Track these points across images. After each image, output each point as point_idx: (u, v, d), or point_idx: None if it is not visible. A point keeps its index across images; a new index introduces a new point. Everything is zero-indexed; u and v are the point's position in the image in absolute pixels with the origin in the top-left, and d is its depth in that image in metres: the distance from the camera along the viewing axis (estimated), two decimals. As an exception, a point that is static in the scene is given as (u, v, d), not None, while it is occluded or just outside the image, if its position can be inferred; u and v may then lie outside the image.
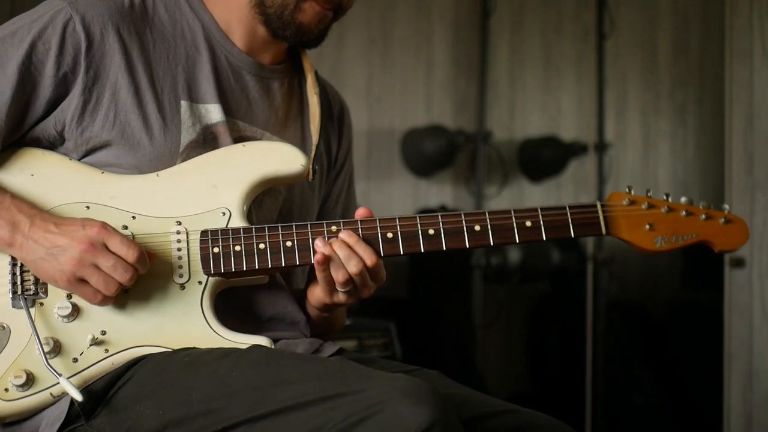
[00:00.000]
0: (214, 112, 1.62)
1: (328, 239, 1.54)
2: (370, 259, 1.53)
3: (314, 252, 1.54)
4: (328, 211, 1.85)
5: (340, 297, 1.59)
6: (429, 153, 4.20)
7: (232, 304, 1.61)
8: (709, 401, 3.60)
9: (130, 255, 1.46)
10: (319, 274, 1.56)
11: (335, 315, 1.75)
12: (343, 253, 1.53)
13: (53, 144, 1.59)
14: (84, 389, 1.48)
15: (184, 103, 1.60)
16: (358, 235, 1.55)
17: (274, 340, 1.59)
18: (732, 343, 3.31)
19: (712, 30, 4.57)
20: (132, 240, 1.49)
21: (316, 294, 1.63)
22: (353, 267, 1.53)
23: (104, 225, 1.47)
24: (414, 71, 4.40)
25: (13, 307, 1.51)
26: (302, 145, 1.73)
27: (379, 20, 4.33)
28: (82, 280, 1.47)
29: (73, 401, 1.47)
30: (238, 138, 1.64)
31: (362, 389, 1.30)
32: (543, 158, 4.45)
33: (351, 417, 1.27)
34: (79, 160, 1.59)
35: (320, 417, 1.30)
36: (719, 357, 3.34)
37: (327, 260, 1.53)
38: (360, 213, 1.58)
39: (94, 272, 1.46)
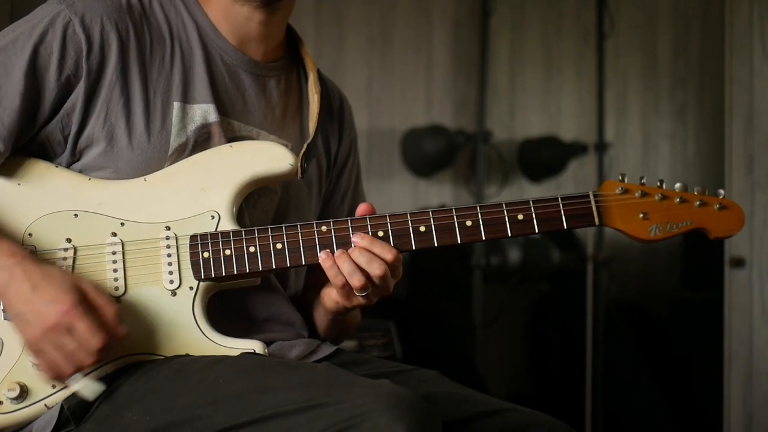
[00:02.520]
0: (208, 113, 1.61)
1: (323, 243, 1.52)
2: (390, 254, 1.51)
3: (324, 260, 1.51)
4: (334, 209, 1.83)
5: (360, 299, 1.56)
6: (429, 153, 4.19)
7: (227, 307, 1.60)
8: (709, 401, 3.60)
9: (94, 343, 1.39)
10: (334, 280, 1.53)
11: (351, 315, 1.71)
12: (364, 258, 1.50)
13: (55, 149, 1.58)
14: (74, 394, 1.47)
15: (176, 105, 1.59)
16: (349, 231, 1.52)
17: (270, 342, 1.58)
18: (732, 343, 3.31)
19: (712, 30, 4.57)
20: (100, 324, 1.40)
21: (333, 298, 1.59)
22: (377, 269, 1.50)
23: (74, 305, 1.39)
24: (414, 71, 4.39)
25: (5, 319, 1.49)
26: (300, 142, 1.71)
27: (379, 20, 4.32)
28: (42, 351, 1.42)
29: (63, 407, 1.47)
30: (232, 138, 1.63)
31: (344, 400, 1.29)
32: (543, 158, 4.45)
33: (331, 428, 1.27)
34: (70, 165, 1.57)
35: (300, 427, 1.29)
36: (719, 357, 3.34)
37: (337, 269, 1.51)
38: (361, 209, 1.56)
39: (53, 351, 1.40)
